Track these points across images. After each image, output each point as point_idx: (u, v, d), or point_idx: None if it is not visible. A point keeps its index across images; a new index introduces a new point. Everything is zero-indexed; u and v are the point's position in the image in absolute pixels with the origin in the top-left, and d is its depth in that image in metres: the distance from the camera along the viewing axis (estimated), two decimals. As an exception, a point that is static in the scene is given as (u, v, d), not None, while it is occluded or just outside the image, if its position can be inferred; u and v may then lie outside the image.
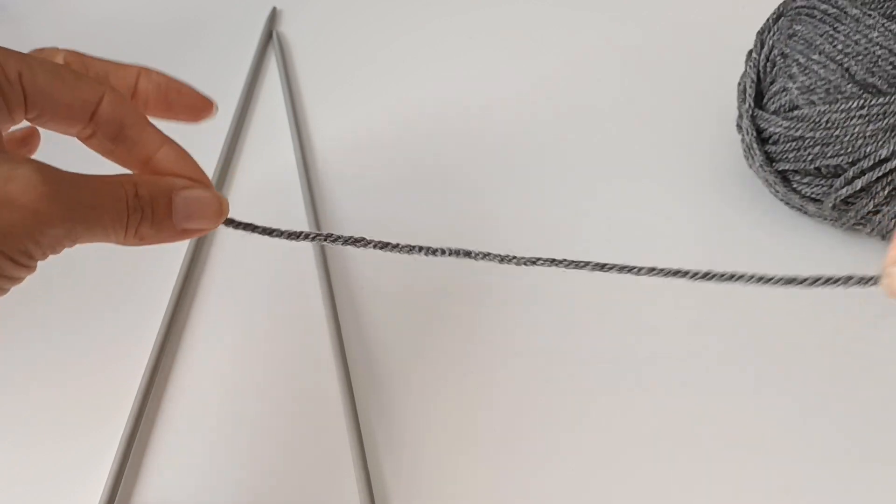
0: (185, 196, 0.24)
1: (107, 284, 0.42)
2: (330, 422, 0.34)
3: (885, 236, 0.34)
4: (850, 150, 0.30)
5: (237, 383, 0.36)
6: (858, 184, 0.31)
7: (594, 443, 0.32)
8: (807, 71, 0.31)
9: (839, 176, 0.32)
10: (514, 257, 0.25)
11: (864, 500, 0.29)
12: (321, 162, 0.48)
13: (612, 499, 0.30)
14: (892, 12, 0.29)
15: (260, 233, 0.26)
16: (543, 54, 0.55)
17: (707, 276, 0.22)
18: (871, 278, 0.20)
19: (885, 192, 0.31)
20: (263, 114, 0.53)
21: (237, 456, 0.33)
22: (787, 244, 0.38)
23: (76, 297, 0.41)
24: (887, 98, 0.28)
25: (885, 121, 0.29)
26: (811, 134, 0.31)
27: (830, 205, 0.33)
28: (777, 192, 0.36)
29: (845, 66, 0.30)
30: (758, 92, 0.35)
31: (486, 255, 0.25)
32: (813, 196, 0.34)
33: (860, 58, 0.29)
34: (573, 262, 0.24)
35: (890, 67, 0.28)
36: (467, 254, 0.25)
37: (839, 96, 0.30)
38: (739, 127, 0.37)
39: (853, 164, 0.31)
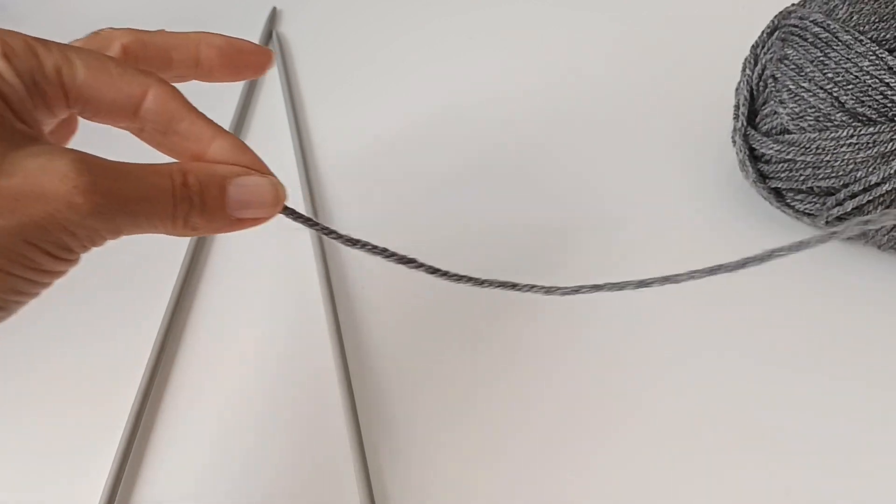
0: (239, 183, 0.22)
1: (107, 284, 0.42)
2: (330, 422, 0.34)
3: (880, 247, 0.34)
4: (840, 174, 0.30)
5: (237, 383, 0.36)
6: (850, 205, 0.31)
7: (596, 444, 0.32)
8: (797, 98, 0.31)
9: (832, 195, 0.32)
10: (559, 288, 0.24)
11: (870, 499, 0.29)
12: (321, 162, 0.48)
13: (614, 498, 0.30)
14: (883, 36, 0.29)
15: (318, 230, 0.25)
16: (543, 55, 0.55)
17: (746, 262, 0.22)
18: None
19: (878, 211, 0.31)
20: (263, 114, 0.53)
21: (237, 456, 0.33)
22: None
23: (76, 297, 0.41)
24: (877, 127, 0.28)
25: (875, 149, 0.29)
26: (802, 158, 0.31)
27: (823, 221, 0.33)
28: (771, 206, 0.36)
29: (835, 94, 0.30)
30: (751, 110, 0.35)
31: (531, 287, 0.25)
32: (807, 211, 0.34)
33: (850, 87, 0.29)
34: (616, 284, 0.24)
35: (880, 97, 0.29)
36: (513, 286, 0.25)
37: (829, 124, 0.30)
38: (734, 141, 0.37)
39: (845, 186, 0.31)
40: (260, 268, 0.42)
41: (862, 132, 0.29)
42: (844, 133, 0.29)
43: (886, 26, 0.29)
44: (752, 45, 0.36)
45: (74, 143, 0.24)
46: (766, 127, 0.33)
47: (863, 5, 0.31)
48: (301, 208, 0.44)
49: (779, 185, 0.34)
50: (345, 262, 0.41)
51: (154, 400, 0.36)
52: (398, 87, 0.54)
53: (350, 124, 0.51)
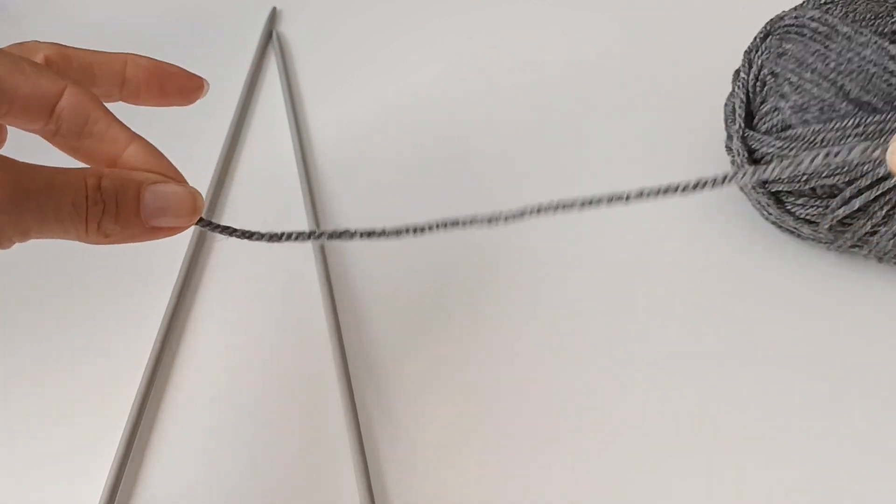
0: (156, 190, 0.22)
1: (107, 284, 0.42)
2: (330, 421, 0.34)
3: (881, 258, 0.34)
4: (846, 168, 0.30)
5: (237, 383, 0.36)
6: (856, 203, 0.31)
7: (597, 441, 0.32)
8: (799, 90, 0.31)
9: (835, 196, 0.32)
10: (502, 213, 0.24)
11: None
12: (321, 162, 0.48)
13: (614, 498, 0.30)
14: (883, 30, 0.29)
15: (238, 236, 0.25)
16: (542, 54, 0.55)
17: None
18: (877, 148, 0.17)
19: (884, 211, 0.30)
20: (263, 114, 0.53)
21: (237, 456, 0.33)
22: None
23: (76, 298, 0.41)
24: (883, 115, 0.28)
25: (882, 138, 0.29)
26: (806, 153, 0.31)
27: (826, 226, 0.33)
28: (770, 214, 0.36)
29: (839, 84, 0.29)
30: (748, 112, 0.35)
31: (472, 221, 0.24)
32: (808, 218, 0.33)
33: (854, 75, 0.29)
34: (560, 203, 0.23)
35: (884, 85, 0.28)
36: (454, 223, 0.24)
37: (833, 115, 0.30)
38: (729, 149, 0.36)
39: (850, 183, 0.30)
40: (260, 268, 0.42)
41: (868, 120, 0.28)
42: (850, 122, 0.29)
43: (883, 22, 0.29)
44: (745, 52, 0.36)
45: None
46: (765, 126, 0.33)
47: (856, 5, 0.31)
48: (301, 208, 0.44)
49: (780, 189, 0.33)
50: (345, 262, 0.41)
51: (154, 400, 0.36)
52: (398, 87, 0.54)
53: (350, 124, 0.51)
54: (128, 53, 0.25)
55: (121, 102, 0.26)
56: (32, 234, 0.20)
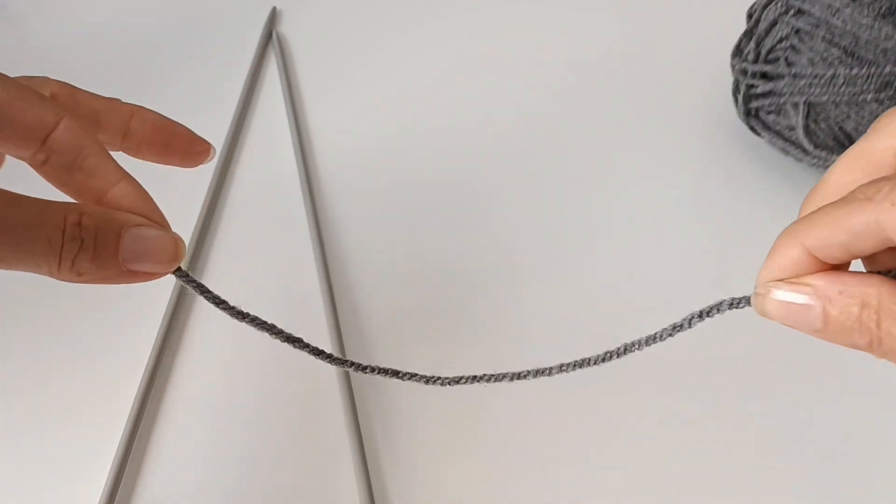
0: (137, 233, 0.21)
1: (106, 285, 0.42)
2: (330, 421, 0.34)
3: None
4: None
5: (237, 383, 0.36)
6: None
7: (597, 441, 0.32)
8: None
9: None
10: (439, 378, 0.24)
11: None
12: (321, 162, 0.48)
13: (613, 498, 0.30)
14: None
15: (209, 299, 0.24)
16: (542, 54, 0.55)
17: (607, 356, 0.23)
18: (741, 299, 0.20)
19: None
20: (263, 114, 0.53)
21: (237, 456, 0.33)
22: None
23: (76, 299, 0.41)
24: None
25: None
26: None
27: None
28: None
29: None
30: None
31: (412, 377, 0.24)
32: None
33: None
34: (493, 375, 0.24)
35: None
36: (395, 373, 0.24)
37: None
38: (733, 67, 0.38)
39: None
40: (260, 268, 0.42)
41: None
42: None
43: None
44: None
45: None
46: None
47: None
48: (301, 208, 0.44)
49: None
50: (345, 262, 0.41)
51: (154, 401, 0.36)
52: (398, 86, 0.54)
53: (350, 124, 0.51)
54: (136, 106, 0.25)
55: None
56: (7, 266, 0.19)
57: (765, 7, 0.38)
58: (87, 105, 0.24)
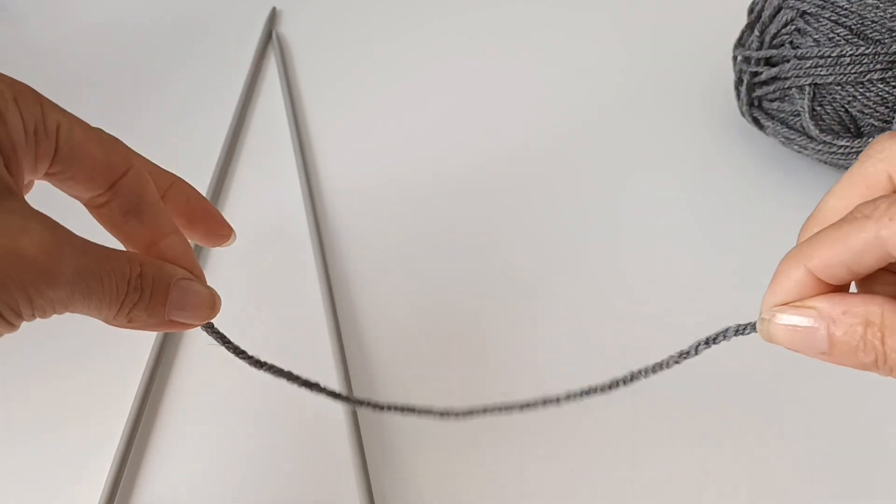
0: (184, 286, 0.22)
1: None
2: (330, 423, 0.34)
3: None
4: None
5: (236, 384, 0.36)
6: None
7: (597, 442, 0.32)
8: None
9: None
10: (454, 412, 0.25)
11: None
12: (321, 161, 0.48)
13: (613, 498, 0.30)
14: None
15: (231, 350, 0.25)
16: (542, 53, 0.55)
17: (613, 384, 0.23)
18: (747, 326, 0.20)
19: None
20: (263, 114, 0.53)
21: (236, 457, 0.33)
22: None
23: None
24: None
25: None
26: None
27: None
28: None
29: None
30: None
31: (427, 412, 0.26)
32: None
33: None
34: (503, 406, 0.25)
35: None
36: (411, 410, 0.26)
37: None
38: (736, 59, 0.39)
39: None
40: (260, 269, 0.42)
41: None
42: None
43: None
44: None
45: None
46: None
47: None
48: (300, 207, 0.44)
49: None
50: (345, 262, 0.41)
51: (153, 401, 0.36)
52: (398, 86, 0.54)
53: (350, 123, 0.51)
54: (175, 175, 0.25)
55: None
56: (70, 310, 0.20)
57: None
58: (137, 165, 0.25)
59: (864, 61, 0.33)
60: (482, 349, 0.36)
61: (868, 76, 0.34)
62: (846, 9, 0.34)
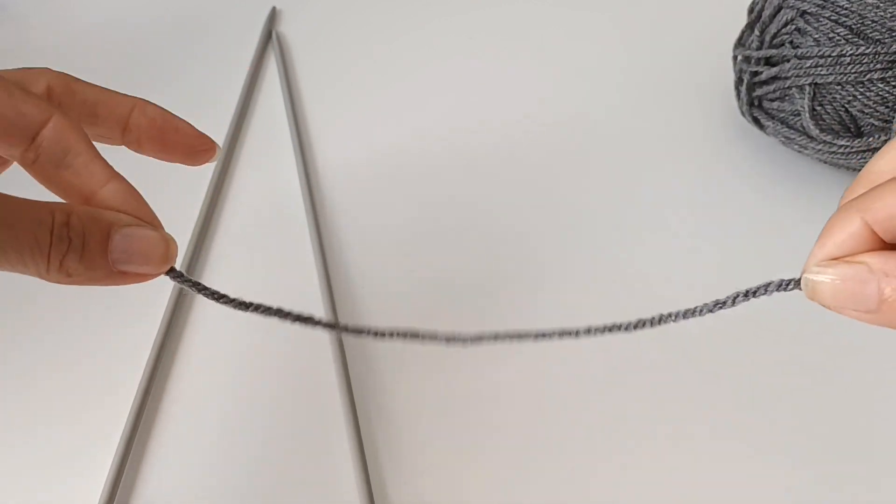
0: (128, 233, 0.21)
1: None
2: (330, 422, 0.34)
3: None
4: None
5: (236, 383, 0.36)
6: None
7: (594, 445, 0.32)
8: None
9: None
10: (460, 338, 0.23)
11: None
12: (321, 162, 0.48)
13: (612, 498, 0.30)
14: None
15: (207, 295, 0.23)
16: (542, 53, 0.55)
17: (639, 324, 0.22)
18: (790, 281, 0.19)
19: None
20: (263, 114, 0.53)
21: (237, 456, 0.33)
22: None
23: (75, 298, 0.41)
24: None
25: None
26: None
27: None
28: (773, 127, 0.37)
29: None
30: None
31: (433, 338, 0.23)
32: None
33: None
34: (517, 333, 0.23)
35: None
36: (414, 335, 0.23)
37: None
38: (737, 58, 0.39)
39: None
40: (259, 268, 0.42)
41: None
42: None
43: None
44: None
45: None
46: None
47: None
48: (301, 209, 0.44)
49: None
50: (345, 262, 0.41)
51: (153, 400, 0.36)
52: (398, 86, 0.54)
53: (350, 123, 0.51)
54: (137, 98, 0.24)
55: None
56: None
57: None
58: (84, 97, 0.24)
59: (864, 61, 0.33)
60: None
61: (868, 76, 0.34)
62: (846, 8, 0.34)
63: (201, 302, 0.40)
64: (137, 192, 0.22)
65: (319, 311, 0.38)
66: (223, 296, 0.23)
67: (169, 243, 0.22)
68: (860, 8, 0.34)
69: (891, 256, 0.17)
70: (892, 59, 0.33)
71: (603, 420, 0.33)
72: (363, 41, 0.59)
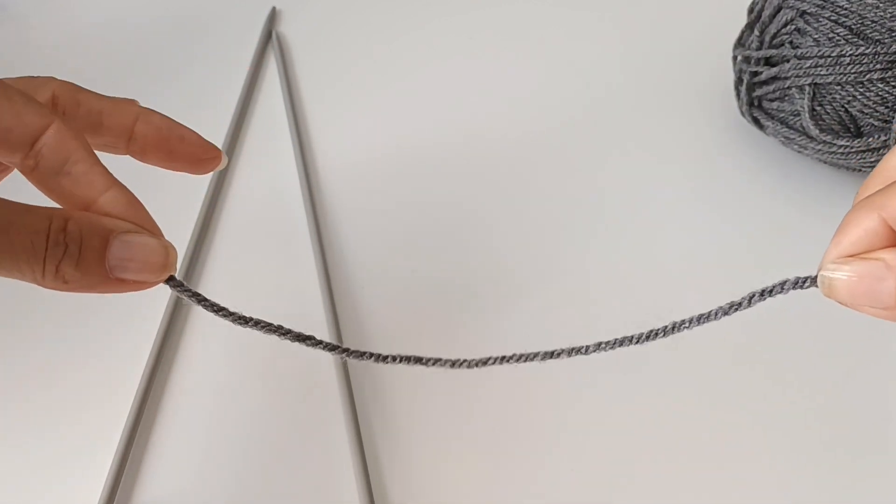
0: (126, 240, 0.20)
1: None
2: (330, 421, 0.34)
3: None
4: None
5: (236, 384, 0.36)
6: None
7: (592, 443, 0.32)
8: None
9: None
10: (465, 361, 0.23)
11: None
12: (321, 162, 0.48)
13: (611, 498, 0.30)
14: None
15: (206, 307, 0.22)
16: (542, 53, 0.55)
17: (650, 335, 0.21)
18: (806, 279, 0.19)
19: None
20: (263, 114, 0.53)
21: (236, 457, 0.33)
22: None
23: (75, 298, 0.41)
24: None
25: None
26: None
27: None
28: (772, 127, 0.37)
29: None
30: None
31: (436, 362, 0.23)
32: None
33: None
34: (523, 355, 0.22)
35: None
36: (418, 360, 0.23)
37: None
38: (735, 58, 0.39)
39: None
40: (259, 268, 0.42)
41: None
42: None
43: None
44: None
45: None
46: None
47: None
48: (301, 210, 0.44)
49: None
50: (345, 262, 0.41)
51: (153, 400, 0.36)
52: (398, 86, 0.54)
53: (350, 123, 0.51)
54: (141, 107, 0.24)
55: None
56: None
57: None
58: (89, 106, 0.24)
59: (864, 61, 0.33)
60: (477, 332, 0.36)
61: (868, 76, 0.34)
62: (846, 9, 0.34)
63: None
64: (137, 200, 0.22)
65: (319, 311, 0.38)
66: (222, 308, 0.23)
67: (168, 251, 0.22)
68: (860, 8, 0.34)
69: None
70: (891, 59, 0.33)
71: (607, 422, 0.33)
72: (363, 41, 0.59)
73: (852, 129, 0.36)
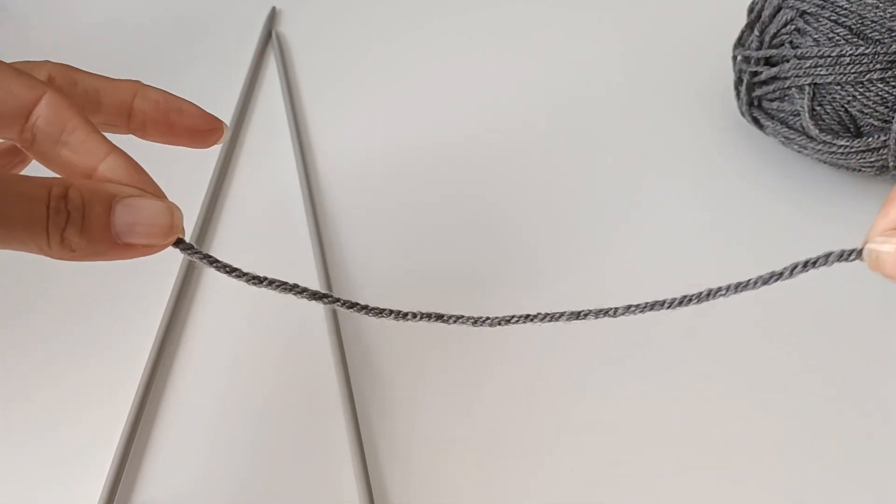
0: (130, 204, 0.20)
1: (106, 283, 0.42)
2: (330, 421, 0.34)
3: None
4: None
5: (236, 384, 0.36)
6: None
7: (593, 443, 0.32)
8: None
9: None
10: (488, 319, 0.22)
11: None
12: (321, 162, 0.48)
13: (611, 498, 0.30)
14: None
15: (218, 268, 0.22)
16: (542, 53, 0.55)
17: (683, 300, 0.20)
18: (852, 251, 0.18)
19: None
20: (263, 114, 0.53)
21: (236, 457, 0.33)
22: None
23: (75, 298, 0.41)
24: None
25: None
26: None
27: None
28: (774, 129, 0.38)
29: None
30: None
31: (458, 319, 0.22)
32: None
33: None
34: (548, 314, 0.22)
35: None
36: (439, 317, 0.22)
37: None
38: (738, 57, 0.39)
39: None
40: (259, 267, 0.42)
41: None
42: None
43: None
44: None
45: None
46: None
47: None
48: (301, 210, 0.44)
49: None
50: (345, 262, 0.41)
51: (153, 400, 0.36)
52: (398, 86, 0.54)
53: (350, 123, 0.51)
54: (138, 83, 0.24)
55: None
56: None
57: None
58: (86, 86, 0.24)
59: (863, 61, 0.33)
60: (477, 332, 0.36)
61: (868, 76, 0.34)
62: (846, 9, 0.34)
63: (202, 301, 0.40)
64: (138, 164, 0.22)
65: (320, 311, 0.38)
66: (235, 269, 0.22)
67: (174, 212, 0.21)
68: (860, 8, 0.34)
69: None
70: (891, 59, 0.33)
71: (608, 423, 0.33)
72: (363, 41, 0.59)
73: (852, 129, 0.36)
